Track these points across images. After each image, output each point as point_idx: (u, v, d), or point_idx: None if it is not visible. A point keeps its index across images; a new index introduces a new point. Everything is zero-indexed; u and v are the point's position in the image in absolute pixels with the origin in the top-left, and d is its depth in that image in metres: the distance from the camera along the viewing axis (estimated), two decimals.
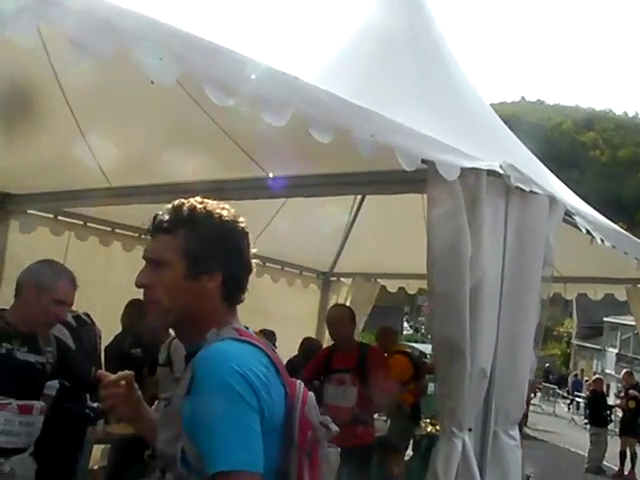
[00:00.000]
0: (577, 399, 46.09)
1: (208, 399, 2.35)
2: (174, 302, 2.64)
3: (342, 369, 7.90)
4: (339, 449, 2.86)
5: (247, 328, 2.71)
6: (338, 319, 8.26)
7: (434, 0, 7.47)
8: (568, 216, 5.58)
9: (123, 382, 2.92)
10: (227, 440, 2.32)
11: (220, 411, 2.33)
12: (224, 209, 2.72)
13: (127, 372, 2.93)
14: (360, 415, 7.60)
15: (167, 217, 2.68)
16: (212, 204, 2.72)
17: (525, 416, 24.33)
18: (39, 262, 4.83)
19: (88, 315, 7.02)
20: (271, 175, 6.01)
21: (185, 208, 2.68)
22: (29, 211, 8.21)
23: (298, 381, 2.72)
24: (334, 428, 2.76)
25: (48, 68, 5.09)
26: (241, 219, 2.74)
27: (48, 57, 4.88)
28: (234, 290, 2.73)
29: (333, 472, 2.84)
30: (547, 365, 60.51)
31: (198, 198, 2.74)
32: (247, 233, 2.75)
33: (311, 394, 2.73)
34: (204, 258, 2.63)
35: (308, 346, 10.24)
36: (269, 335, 9.66)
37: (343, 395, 7.70)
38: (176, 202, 2.73)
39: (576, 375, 58.72)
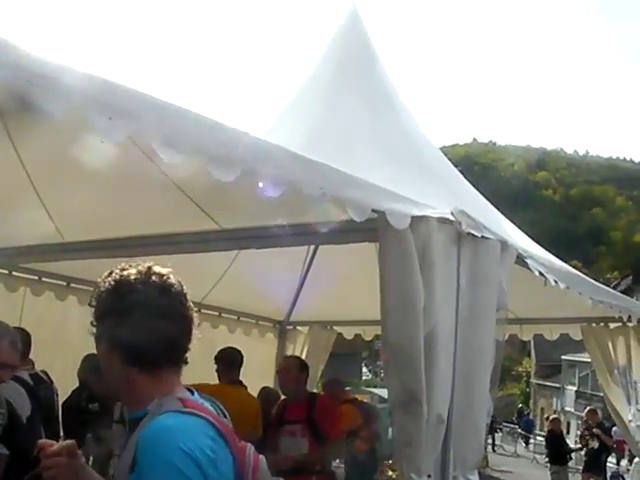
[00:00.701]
0: (532, 438, 46.19)
1: None
2: (103, 368, 2.64)
3: (293, 420, 7.83)
4: None
5: (193, 393, 2.62)
6: (285, 370, 8.23)
7: (384, 44, 7.58)
8: (520, 259, 5.64)
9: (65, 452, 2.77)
10: None
11: None
12: (129, 273, 2.59)
13: (69, 442, 2.80)
14: (311, 465, 7.53)
15: None
16: (124, 268, 2.61)
17: (484, 457, 24.36)
18: None
19: (46, 373, 6.96)
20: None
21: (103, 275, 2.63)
22: None
23: (248, 445, 2.65)
24: None
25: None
26: (153, 279, 2.58)
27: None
28: (143, 357, 2.55)
29: None
30: (520, 406, 60.79)
31: (123, 264, 2.64)
32: (153, 297, 2.55)
33: (262, 457, 2.67)
34: (102, 325, 2.59)
35: (265, 396, 10.15)
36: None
37: (295, 446, 7.60)
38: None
39: (528, 414, 58.73)
